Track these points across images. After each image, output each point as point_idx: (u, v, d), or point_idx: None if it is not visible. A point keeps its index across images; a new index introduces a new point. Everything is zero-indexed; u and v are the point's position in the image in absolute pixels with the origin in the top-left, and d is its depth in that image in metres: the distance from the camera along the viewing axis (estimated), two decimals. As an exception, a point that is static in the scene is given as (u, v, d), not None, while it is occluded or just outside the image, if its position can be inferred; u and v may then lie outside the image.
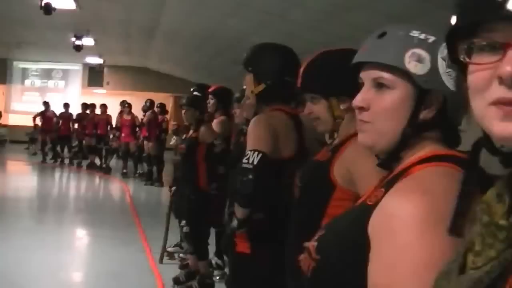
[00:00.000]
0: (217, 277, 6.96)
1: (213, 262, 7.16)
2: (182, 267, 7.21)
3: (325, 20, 10.88)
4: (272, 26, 12.45)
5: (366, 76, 1.64)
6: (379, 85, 1.60)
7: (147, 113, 16.36)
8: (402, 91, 1.57)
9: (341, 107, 2.60)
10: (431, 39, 1.58)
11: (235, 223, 3.24)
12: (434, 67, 1.56)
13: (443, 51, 1.54)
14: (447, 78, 1.57)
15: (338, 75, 2.53)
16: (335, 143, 2.64)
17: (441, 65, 1.57)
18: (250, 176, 3.08)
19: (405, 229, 1.33)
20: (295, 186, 2.74)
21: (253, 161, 3.10)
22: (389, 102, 1.58)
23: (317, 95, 2.68)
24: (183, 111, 6.78)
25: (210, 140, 6.43)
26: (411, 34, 1.60)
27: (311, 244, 1.88)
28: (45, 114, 21.12)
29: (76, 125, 20.65)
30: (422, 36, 1.59)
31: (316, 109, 2.69)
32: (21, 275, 6.81)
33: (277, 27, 12.34)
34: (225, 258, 7.13)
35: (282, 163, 3.27)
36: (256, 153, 3.13)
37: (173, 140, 8.41)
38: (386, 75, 1.58)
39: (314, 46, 9.49)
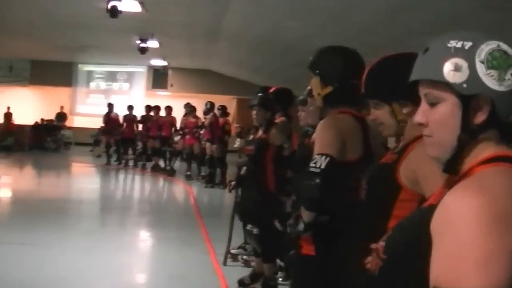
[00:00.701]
0: (280, 279, 6.91)
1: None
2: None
3: (384, 22, 10.77)
4: (332, 28, 12.38)
5: (421, 92, 1.73)
6: (430, 100, 1.68)
7: (209, 116, 16.38)
8: (449, 102, 1.63)
9: (404, 111, 2.62)
10: (468, 45, 1.61)
11: (301, 226, 3.24)
12: (473, 72, 1.59)
13: (480, 55, 1.59)
14: (489, 80, 1.59)
15: (399, 80, 2.51)
16: (400, 146, 2.64)
17: (480, 68, 1.59)
18: (318, 180, 3.08)
19: (463, 221, 1.39)
20: (362, 188, 2.73)
21: (320, 165, 3.11)
22: (440, 115, 1.66)
23: (380, 101, 2.70)
24: (253, 112, 6.70)
25: (279, 142, 6.34)
26: (449, 44, 1.63)
27: (379, 245, 1.96)
28: (109, 115, 21.34)
29: (140, 127, 20.77)
30: (459, 45, 1.62)
31: (380, 114, 2.72)
32: (85, 276, 6.93)
33: (337, 29, 12.27)
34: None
35: (348, 166, 3.26)
36: (324, 157, 3.13)
37: (237, 143, 8.37)
38: (432, 90, 1.67)
39: (373, 48, 9.42)
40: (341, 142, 3.24)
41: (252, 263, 7.20)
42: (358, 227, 2.74)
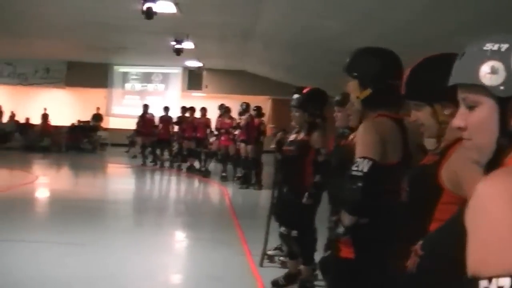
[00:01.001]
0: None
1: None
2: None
3: (422, 20, 10.70)
4: (368, 27, 12.32)
5: (459, 96, 1.73)
6: (468, 104, 1.68)
7: (245, 116, 16.36)
8: (486, 105, 1.63)
9: (445, 112, 2.61)
10: (504, 47, 1.60)
11: (341, 230, 3.24)
12: (510, 74, 1.58)
13: None
14: None
15: (440, 82, 2.48)
16: (441, 147, 2.63)
17: None
18: (360, 184, 3.08)
19: (495, 206, 1.38)
20: (403, 190, 2.71)
21: (363, 169, 3.10)
22: (477, 119, 1.66)
23: (422, 102, 2.68)
24: (293, 114, 6.63)
25: (318, 146, 6.31)
26: (484, 48, 1.63)
27: (419, 245, 2.02)
28: (144, 116, 21.42)
29: (176, 128, 20.80)
30: (495, 47, 1.61)
31: (421, 115, 2.70)
32: (123, 276, 7.00)
33: (373, 28, 12.20)
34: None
35: (389, 169, 3.23)
36: (366, 160, 3.13)
37: (276, 137, 8.35)
38: (469, 94, 1.67)
39: (410, 47, 9.35)
40: (382, 146, 3.24)
41: (289, 265, 7.18)
42: (399, 230, 2.73)
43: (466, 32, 9.74)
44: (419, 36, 11.42)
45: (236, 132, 16.91)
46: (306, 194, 6.28)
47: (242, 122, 16.39)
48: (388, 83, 3.43)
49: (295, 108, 6.56)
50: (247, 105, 16.73)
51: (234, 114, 17.79)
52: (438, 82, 2.50)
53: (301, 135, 6.55)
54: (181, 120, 19.91)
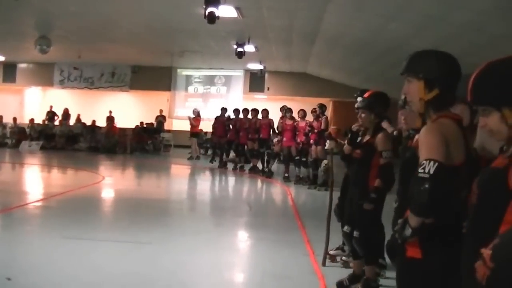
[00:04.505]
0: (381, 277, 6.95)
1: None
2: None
3: (487, 20, 10.58)
4: (432, 28, 12.23)
5: None
6: None
7: (322, 118, 16.29)
8: None
9: None
10: None
11: (408, 231, 3.21)
12: None
13: None
14: None
15: (509, 85, 2.55)
16: (511, 150, 2.61)
17: None
18: (427, 186, 3.04)
19: None
20: (473, 192, 2.73)
21: (429, 171, 3.06)
22: None
23: (489, 107, 2.65)
24: (358, 114, 6.64)
25: (381, 149, 6.30)
26: None
27: (487, 253, 1.95)
28: (219, 119, 21.55)
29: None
30: None
31: (490, 121, 2.67)
32: (190, 273, 7.11)
33: (437, 29, 12.11)
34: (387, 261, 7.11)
35: (454, 170, 3.21)
36: (432, 162, 3.08)
37: (327, 144, 8.37)
38: None
39: (476, 48, 9.34)
40: (446, 147, 3.20)
41: (351, 265, 7.21)
42: (469, 231, 2.75)
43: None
44: (484, 37, 11.31)
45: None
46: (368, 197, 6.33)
47: (323, 125, 16.14)
48: (452, 85, 3.44)
49: (362, 109, 6.58)
50: (324, 107, 16.69)
51: (295, 115, 17.66)
52: (505, 86, 2.56)
53: (367, 137, 6.58)
54: (244, 122, 19.93)
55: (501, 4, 9.60)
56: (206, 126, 25.48)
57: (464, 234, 2.88)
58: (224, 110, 21.87)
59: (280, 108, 18.79)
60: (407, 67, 3.52)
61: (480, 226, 2.60)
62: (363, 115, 6.56)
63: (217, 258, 7.92)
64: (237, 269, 7.89)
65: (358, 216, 6.50)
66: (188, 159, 24.21)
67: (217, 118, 21.62)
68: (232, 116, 20.92)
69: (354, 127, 7.48)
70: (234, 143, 20.63)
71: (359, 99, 6.86)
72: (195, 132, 24.66)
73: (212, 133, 22.06)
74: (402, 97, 4.70)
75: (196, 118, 24.51)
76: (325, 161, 15.35)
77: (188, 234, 9.50)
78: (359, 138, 6.77)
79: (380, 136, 6.37)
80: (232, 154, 21.23)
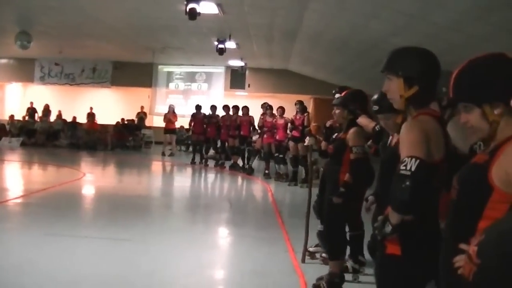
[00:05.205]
0: (354, 279, 6.99)
1: (349, 265, 7.13)
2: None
3: (466, 21, 10.66)
4: (413, 27, 12.30)
5: None
6: None
7: (304, 115, 16.36)
8: None
9: (495, 112, 2.61)
10: None
11: (388, 228, 3.22)
12: None
13: None
14: None
15: (489, 82, 2.58)
16: (492, 146, 2.65)
17: None
18: (408, 183, 3.04)
19: None
20: (453, 188, 2.76)
21: (411, 168, 3.07)
22: None
23: (470, 104, 2.69)
24: (333, 111, 6.74)
25: (351, 144, 6.34)
26: None
27: (472, 249, 1.96)
28: (196, 116, 21.47)
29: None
30: None
31: (471, 118, 2.70)
32: (167, 271, 7.10)
33: (417, 28, 12.18)
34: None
35: (434, 167, 3.23)
36: (414, 159, 3.09)
37: (306, 141, 8.42)
38: None
39: (455, 47, 9.40)
40: (427, 144, 3.21)
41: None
42: (449, 226, 2.78)
43: (510, 33, 9.75)
44: (465, 36, 11.38)
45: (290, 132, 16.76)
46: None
47: (306, 121, 16.25)
48: (432, 81, 3.45)
49: (336, 106, 6.69)
50: (302, 103, 16.83)
51: (275, 112, 17.67)
52: (486, 82, 2.59)
53: (341, 134, 6.66)
54: (224, 119, 19.98)
55: (480, 4, 9.67)
56: (187, 123, 25.43)
57: (443, 230, 2.91)
58: (199, 107, 21.85)
59: (261, 105, 18.78)
60: (386, 65, 3.53)
61: (460, 222, 2.64)
62: (337, 111, 6.67)
63: (197, 255, 7.91)
64: (217, 266, 7.89)
65: (326, 210, 6.58)
66: (169, 155, 24.18)
67: (193, 116, 21.61)
68: (209, 112, 20.91)
69: (328, 123, 7.57)
70: (214, 140, 20.69)
71: (337, 95, 6.96)
72: (170, 129, 24.65)
73: (192, 131, 22.02)
74: (375, 96, 4.67)
75: (173, 114, 24.56)
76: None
77: (168, 231, 9.51)
78: (336, 134, 6.84)
79: (351, 131, 6.42)
80: (211, 151, 21.23)
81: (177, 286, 6.62)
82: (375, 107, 4.80)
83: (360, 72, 20.62)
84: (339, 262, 6.57)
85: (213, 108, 20.81)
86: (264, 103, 18.61)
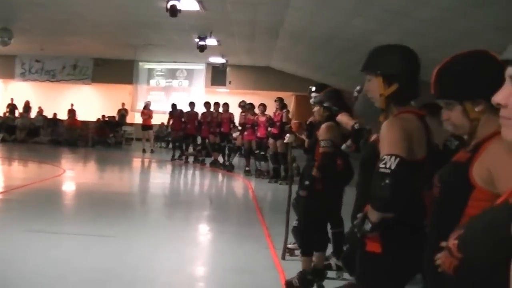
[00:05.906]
0: (338, 276, 7.01)
1: (332, 263, 7.13)
2: None
3: (451, 18, 10.71)
4: (396, 24, 12.33)
5: (507, 73, 1.65)
6: None
7: (283, 112, 16.42)
8: None
9: (476, 109, 2.59)
10: None
11: (368, 226, 3.21)
12: None
13: None
14: None
15: (471, 79, 2.57)
16: (473, 144, 2.64)
17: None
18: (387, 181, 3.03)
19: None
20: (435, 186, 2.75)
21: (390, 166, 3.05)
22: None
23: (452, 100, 2.67)
24: (313, 108, 6.81)
25: (320, 138, 6.33)
26: None
27: (452, 243, 1.96)
28: (174, 114, 21.58)
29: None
30: None
31: (452, 115, 2.68)
32: (149, 268, 7.07)
33: (401, 25, 12.20)
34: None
35: (415, 165, 3.22)
36: (394, 157, 3.07)
37: (287, 138, 8.48)
38: None
39: (439, 44, 9.44)
40: (408, 142, 3.19)
41: (314, 258, 7.22)
42: (431, 224, 2.78)
43: (495, 29, 9.80)
44: (447, 33, 11.42)
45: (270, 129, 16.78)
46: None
47: (284, 118, 16.26)
48: (412, 78, 3.43)
49: (314, 104, 6.82)
50: (282, 100, 16.87)
51: (256, 109, 17.73)
52: (468, 79, 2.58)
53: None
54: (205, 116, 19.94)
55: (464, 1, 9.71)
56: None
57: (425, 228, 2.93)
58: (174, 106, 21.94)
59: (239, 104, 18.77)
60: (365, 65, 3.53)
61: (442, 220, 2.62)
62: (315, 109, 6.75)
63: (178, 252, 7.92)
64: (198, 263, 7.89)
65: (300, 206, 6.65)
66: (151, 152, 24.11)
67: (170, 114, 21.67)
68: (186, 109, 20.96)
69: (309, 120, 7.66)
70: (194, 137, 20.70)
71: (313, 94, 7.03)
72: (147, 125, 24.68)
73: (171, 128, 22.06)
74: (355, 94, 4.68)
75: (149, 111, 24.59)
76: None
77: (150, 227, 9.49)
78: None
79: (322, 126, 6.44)
80: (191, 148, 21.24)
81: (160, 283, 6.59)
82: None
83: (343, 69, 20.64)
84: (310, 259, 6.55)
85: (192, 104, 20.86)
86: (242, 101, 18.62)
